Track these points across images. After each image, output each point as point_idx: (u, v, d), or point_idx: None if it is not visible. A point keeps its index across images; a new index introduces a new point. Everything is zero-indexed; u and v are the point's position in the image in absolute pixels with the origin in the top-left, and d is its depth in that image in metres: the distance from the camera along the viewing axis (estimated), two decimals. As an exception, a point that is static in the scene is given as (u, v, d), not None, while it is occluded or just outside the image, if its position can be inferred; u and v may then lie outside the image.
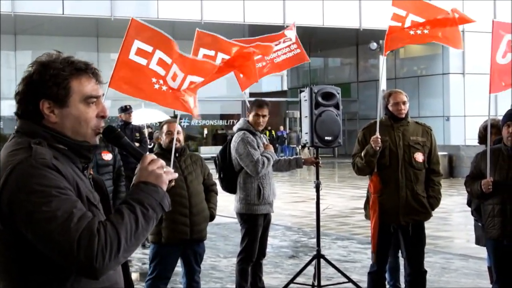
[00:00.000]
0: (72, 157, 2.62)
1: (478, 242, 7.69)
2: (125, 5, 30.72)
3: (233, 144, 7.59)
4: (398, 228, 7.01)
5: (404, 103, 7.07)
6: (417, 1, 7.67)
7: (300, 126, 8.30)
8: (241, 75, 7.99)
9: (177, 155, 6.84)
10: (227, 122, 41.52)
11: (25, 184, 2.40)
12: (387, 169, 6.96)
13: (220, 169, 7.84)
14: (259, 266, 7.85)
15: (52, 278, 2.49)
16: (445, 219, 14.66)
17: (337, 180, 26.88)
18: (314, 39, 37.50)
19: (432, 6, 7.72)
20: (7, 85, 30.74)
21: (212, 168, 7.51)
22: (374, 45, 31.84)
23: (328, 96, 7.98)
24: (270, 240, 7.93)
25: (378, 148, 6.86)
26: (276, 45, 9.09)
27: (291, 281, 8.01)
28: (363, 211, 7.45)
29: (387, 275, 7.42)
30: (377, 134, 6.92)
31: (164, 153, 6.82)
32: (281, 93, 48.40)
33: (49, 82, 2.58)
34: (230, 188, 7.77)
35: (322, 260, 7.99)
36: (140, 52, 6.57)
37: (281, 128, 41.29)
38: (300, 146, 15.58)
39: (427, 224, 7.20)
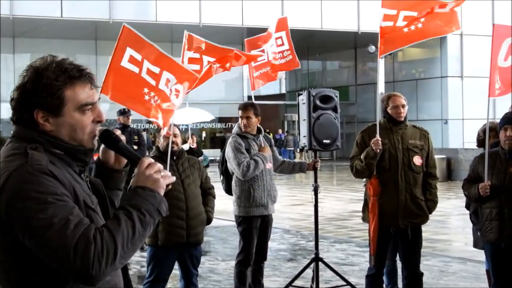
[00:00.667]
0: (69, 161, 2.61)
1: (476, 245, 7.69)
2: (124, 8, 30.72)
3: (225, 149, 7.67)
4: (397, 231, 7.01)
5: (403, 106, 7.08)
6: None
7: (298, 129, 8.31)
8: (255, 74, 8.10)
9: (174, 158, 6.85)
10: (225, 125, 41.50)
11: (21, 191, 2.40)
12: (387, 172, 6.96)
13: (220, 172, 7.91)
14: (260, 270, 7.83)
15: (51, 281, 2.49)
16: (443, 222, 14.66)
17: (335, 183, 26.88)
18: (312, 42, 37.54)
19: (422, 1, 7.66)
20: (5, 88, 30.66)
21: (212, 171, 7.51)
22: (372, 48, 31.80)
23: (326, 99, 7.98)
24: (268, 243, 7.92)
25: (378, 150, 6.86)
26: (271, 45, 9.15)
27: (290, 284, 8.00)
28: (361, 214, 7.45)
29: (384, 278, 7.42)
30: (378, 136, 6.92)
31: (161, 156, 6.82)
32: (280, 96, 48.37)
33: (43, 92, 2.55)
34: (229, 190, 7.82)
35: (320, 263, 7.98)
36: (132, 60, 6.57)
37: (280, 131, 41.29)
38: (298, 149, 15.53)
39: (425, 227, 7.21)
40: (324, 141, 7.92)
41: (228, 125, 40.60)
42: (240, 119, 7.70)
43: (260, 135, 7.81)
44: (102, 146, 2.86)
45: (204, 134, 42.19)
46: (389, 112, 7.10)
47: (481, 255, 7.19)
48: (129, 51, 6.59)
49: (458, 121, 36.84)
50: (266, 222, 7.73)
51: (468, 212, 7.70)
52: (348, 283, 7.95)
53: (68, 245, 2.34)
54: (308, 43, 37.63)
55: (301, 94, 8.17)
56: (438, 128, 35.84)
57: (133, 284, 8.84)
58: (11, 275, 2.50)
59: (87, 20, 30.36)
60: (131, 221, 2.48)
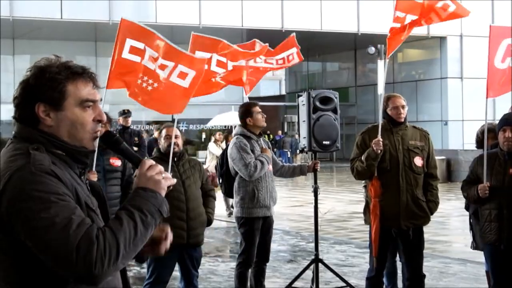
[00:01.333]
0: (69, 163, 2.61)
1: (476, 247, 7.69)
2: (124, 10, 30.69)
3: (229, 150, 7.65)
4: (398, 232, 7.01)
5: (403, 107, 7.08)
6: (417, 3, 7.66)
7: (298, 130, 8.31)
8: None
9: (175, 159, 6.86)
10: (225, 127, 41.52)
11: (23, 190, 2.39)
12: (388, 173, 6.95)
13: (220, 174, 7.89)
14: (262, 271, 7.83)
15: (52, 284, 2.48)
16: (443, 223, 14.66)
17: (335, 184, 26.88)
18: (312, 44, 37.51)
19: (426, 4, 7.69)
20: (5, 89, 30.70)
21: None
22: (372, 50, 31.84)
23: (326, 100, 7.99)
24: (270, 244, 7.92)
25: (380, 151, 6.86)
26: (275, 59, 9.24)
27: (290, 285, 8.00)
28: (361, 215, 7.45)
29: (384, 280, 7.42)
30: (379, 137, 6.91)
31: (162, 157, 6.83)
32: (279, 98, 48.40)
33: (44, 86, 2.58)
34: (229, 192, 7.80)
35: (320, 265, 7.98)
36: (133, 50, 6.67)
37: (280, 132, 41.29)
38: (298, 151, 15.51)
39: (425, 229, 7.21)
40: (324, 142, 7.93)
41: (228, 126, 40.63)
42: (258, 114, 7.66)
43: (261, 137, 7.83)
44: None
45: (204, 136, 42.19)
46: (389, 113, 7.10)
47: (481, 256, 7.19)
48: (130, 42, 6.69)
49: (458, 122, 36.85)
50: (268, 223, 7.73)
51: (467, 213, 7.70)
52: (348, 284, 7.95)
53: (71, 244, 2.34)
54: (308, 44, 37.60)
55: (301, 96, 8.17)
56: (438, 129, 35.84)
57: (133, 286, 8.80)
58: (10, 276, 2.50)
59: (86, 21, 30.37)
60: (133, 221, 2.48)
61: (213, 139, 17.35)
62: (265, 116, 7.78)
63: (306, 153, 8.29)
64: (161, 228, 2.89)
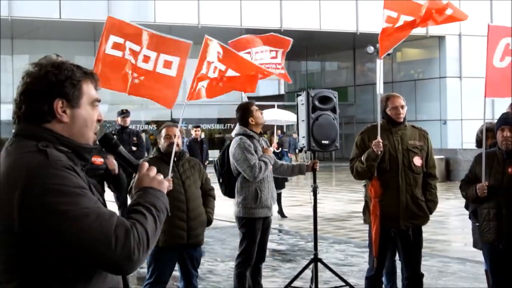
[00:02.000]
0: (75, 160, 2.64)
1: (475, 245, 7.70)
2: (122, 10, 30.69)
3: (231, 150, 7.62)
4: (397, 232, 7.01)
5: (402, 107, 7.07)
6: (408, 2, 7.67)
7: (297, 130, 8.31)
8: None
9: (175, 159, 6.85)
10: (224, 126, 41.50)
11: (53, 187, 2.41)
12: (387, 173, 6.95)
13: (220, 174, 7.86)
14: (258, 271, 7.84)
15: (65, 280, 2.50)
16: (442, 222, 14.67)
17: (334, 184, 26.88)
18: (311, 43, 37.55)
19: (422, 5, 7.70)
20: (4, 89, 30.69)
21: (210, 172, 7.52)
22: (371, 49, 31.81)
23: (325, 100, 7.99)
24: (267, 244, 7.93)
25: (380, 152, 6.86)
26: (261, 52, 9.27)
27: (289, 284, 8.01)
28: (360, 214, 7.45)
29: (384, 279, 7.43)
30: (379, 138, 6.91)
31: (162, 157, 6.83)
32: (278, 97, 48.36)
33: (65, 82, 2.62)
34: (230, 192, 7.78)
35: (319, 264, 7.99)
36: (115, 46, 6.77)
37: (279, 132, 41.27)
38: (297, 150, 15.52)
39: (424, 228, 7.21)
40: (323, 141, 7.93)
41: (227, 126, 40.60)
42: (257, 112, 7.67)
43: (262, 137, 7.83)
44: None
45: (202, 135, 42.21)
46: (388, 113, 7.10)
47: (480, 255, 7.20)
48: (113, 38, 6.78)
49: (457, 122, 36.86)
50: (267, 224, 7.73)
51: (467, 212, 7.71)
52: (347, 283, 7.95)
53: (109, 233, 2.39)
54: (307, 44, 37.64)
55: (300, 95, 8.17)
56: (437, 129, 35.86)
57: (132, 285, 8.81)
58: (22, 278, 2.49)
59: (85, 21, 30.34)
60: (152, 216, 2.59)
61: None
62: (263, 112, 7.82)
63: (306, 152, 8.30)
64: None
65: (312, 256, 8.10)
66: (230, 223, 14.09)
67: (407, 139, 7.04)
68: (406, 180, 6.95)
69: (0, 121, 31.15)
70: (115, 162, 6.94)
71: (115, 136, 3.21)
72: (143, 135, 15.66)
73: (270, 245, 11.04)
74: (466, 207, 7.61)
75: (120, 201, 11.85)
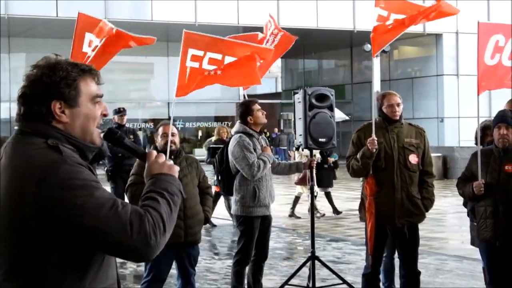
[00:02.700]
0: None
1: (473, 242, 7.71)
2: (119, 8, 30.67)
3: (230, 147, 7.61)
4: (394, 230, 7.03)
5: (398, 105, 7.08)
6: (398, 1, 7.69)
7: (294, 128, 8.31)
8: None
9: (172, 157, 6.85)
10: (221, 124, 41.50)
11: (69, 182, 2.48)
12: (383, 171, 6.97)
13: (218, 172, 7.86)
14: (260, 269, 7.82)
15: (73, 276, 2.54)
16: (439, 220, 14.68)
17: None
18: (308, 41, 37.50)
19: (414, 4, 7.73)
20: (1, 88, 30.69)
21: (208, 170, 7.52)
22: (368, 47, 31.75)
23: (322, 97, 7.99)
24: (269, 243, 7.92)
25: (374, 150, 6.86)
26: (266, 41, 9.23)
27: (286, 282, 8.01)
28: (357, 212, 7.46)
29: (381, 276, 7.44)
30: (373, 136, 6.92)
31: (159, 155, 6.83)
32: (276, 95, 48.38)
33: (60, 84, 2.65)
34: (228, 190, 7.78)
35: (316, 262, 8.00)
36: (90, 43, 6.90)
37: (276, 130, 41.26)
38: (294, 148, 15.50)
39: (421, 226, 7.23)
40: (320, 139, 7.93)
41: (225, 124, 40.59)
42: (258, 112, 7.64)
43: (261, 135, 7.83)
44: None
45: (200, 133, 42.18)
46: (384, 111, 7.11)
47: (477, 253, 7.21)
48: (89, 36, 6.88)
49: (454, 119, 36.86)
50: (267, 222, 7.72)
51: (465, 210, 7.72)
52: (344, 281, 7.96)
53: (124, 220, 2.46)
54: (304, 42, 37.54)
55: (297, 93, 8.17)
56: (434, 126, 35.85)
57: (130, 283, 8.84)
58: (28, 273, 2.52)
59: (82, 19, 30.30)
60: (165, 200, 2.63)
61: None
62: (265, 112, 7.78)
63: (303, 150, 8.31)
64: None
65: (309, 254, 8.10)
66: (228, 221, 14.12)
67: (403, 137, 7.06)
68: (402, 178, 6.96)
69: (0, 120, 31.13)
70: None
71: None
72: (140, 133, 15.64)
73: (268, 243, 11.05)
74: (465, 205, 7.62)
75: (117, 194, 11.85)
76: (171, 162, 2.83)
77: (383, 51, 28.70)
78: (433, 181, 7.24)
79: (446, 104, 37.51)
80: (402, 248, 7.10)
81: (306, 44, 38.27)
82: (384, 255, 7.44)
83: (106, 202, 2.48)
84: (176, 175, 2.80)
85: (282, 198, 18.76)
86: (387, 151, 6.98)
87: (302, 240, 12.78)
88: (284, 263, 10.62)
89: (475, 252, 7.93)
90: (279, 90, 50.28)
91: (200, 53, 7.27)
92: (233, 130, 7.84)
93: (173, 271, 7.26)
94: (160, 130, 7.02)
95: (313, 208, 8.34)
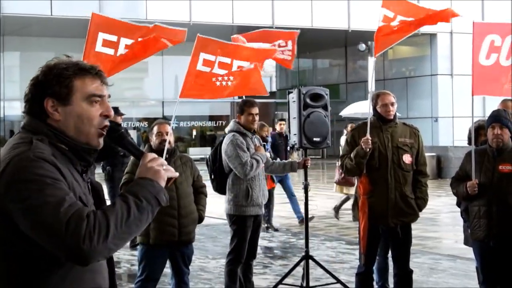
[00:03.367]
0: (72, 158, 2.70)
1: (466, 242, 7.72)
2: (114, 6, 30.63)
3: (223, 146, 7.60)
4: (387, 229, 7.04)
5: (392, 104, 7.09)
6: (405, 2, 7.70)
7: (289, 127, 8.32)
8: None
9: (167, 156, 6.84)
10: (215, 123, 41.46)
11: (21, 174, 2.49)
12: (376, 170, 6.98)
13: (211, 170, 7.85)
14: (249, 268, 7.85)
15: (36, 280, 2.55)
16: (433, 219, 14.70)
17: (325, 181, 26.88)
18: (303, 40, 37.30)
19: (421, 7, 7.75)
20: (-5, 86, 30.61)
21: (202, 170, 7.51)
22: (362, 47, 31.85)
23: (316, 97, 7.99)
24: (259, 241, 7.93)
25: (368, 149, 6.87)
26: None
27: (280, 282, 8.02)
28: (351, 212, 7.47)
29: (375, 276, 7.45)
30: (368, 135, 6.93)
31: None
32: (270, 94, 48.35)
33: (52, 81, 2.68)
34: (221, 189, 7.77)
35: (310, 261, 8.00)
36: (106, 43, 6.80)
37: (270, 129, 41.27)
38: (289, 147, 15.48)
39: (415, 225, 7.24)
40: (315, 139, 7.94)
41: (219, 123, 40.57)
42: (247, 116, 7.61)
43: (255, 134, 7.82)
44: None
45: (194, 132, 42.16)
46: (378, 110, 7.12)
47: (470, 252, 7.23)
48: (102, 35, 6.81)
49: (448, 119, 36.91)
50: (258, 221, 7.74)
51: (458, 209, 7.73)
52: (338, 280, 7.97)
53: (61, 220, 2.43)
54: (298, 41, 37.51)
55: (292, 92, 8.18)
56: (428, 126, 35.89)
57: (123, 283, 8.80)
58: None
59: (77, 18, 30.22)
60: (126, 204, 2.56)
61: (345, 132, 17.12)
62: (256, 120, 7.72)
63: (298, 149, 8.31)
64: None
65: (303, 253, 8.11)
66: (222, 221, 14.10)
67: (397, 137, 7.07)
68: (395, 177, 6.97)
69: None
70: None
71: None
72: (134, 132, 15.61)
73: (261, 243, 11.05)
74: (458, 204, 7.63)
75: (112, 195, 11.81)
76: (164, 167, 2.75)
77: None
78: (427, 181, 7.26)
79: (440, 103, 37.56)
80: (395, 248, 7.12)
81: (300, 43, 38.13)
82: (378, 254, 7.45)
83: (53, 200, 2.45)
84: (161, 181, 2.70)
85: (276, 197, 18.75)
86: (381, 150, 6.99)
87: (296, 239, 12.78)
88: (278, 263, 10.62)
89: (469, 252, 7.95)
90: (274, 89, 50.26)
91: (212, 57, 7.30)
92: (226, 129, 7.84)
93: (167, 270, 7.25)
94: (155, 129, 7.01)
95: (307, 207, 8.33)
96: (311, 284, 7.99)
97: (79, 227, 2.42)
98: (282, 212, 16.25)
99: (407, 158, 7.02)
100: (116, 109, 12.57)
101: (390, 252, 7.45)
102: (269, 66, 44.82)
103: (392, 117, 7.10)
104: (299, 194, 15.01)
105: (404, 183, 7.01)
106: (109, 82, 2.85)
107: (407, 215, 7.03)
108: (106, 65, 6.80)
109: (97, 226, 2.45)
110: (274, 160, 8.33)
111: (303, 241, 8.84)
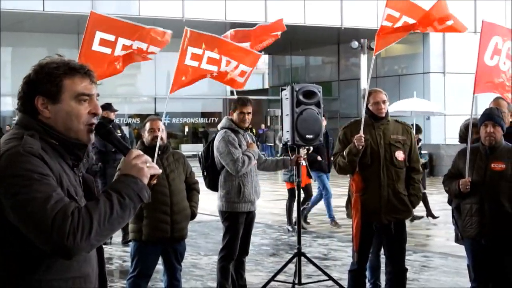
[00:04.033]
0: (62, 153, 2.78)
1: (457, 240, 7.73)
2: (106, 2, 30.55)
3: (215, 143, 7.60)
4: (380, 226, 7.04)
5: (384, 102, 7.11)
6: (411, 3, 7.68)
7: (281, 124, 8.32)
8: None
9: (159, 152, 6.83)
10: (208, 120, 41.47)
11: (10, 168, 2.57)
12: (369, 168, 6.98)
13: (204, 167, 7.85)
14: (241, 264, 7.85)
15: (23, 267, 2.64)
16: (425, 217, 14.71)
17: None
18: (295, 38, 37.50)
19: (428, 12, 7.69)
20: (-12, 81, 30.51)
21: (194, 166, 7.51)
22: (355, 44, 31.83)
23: (309, 94, 7.99)
24: (251, 238, 7.94)
25: (361, 147, 6.88)
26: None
27: (272, 279, 8.02)
28: (344, 209, 7.48)
29: (367, 273, 7.46)
30: (361, 133, 6.94)
31: (146, 150, 6.80)
32: (263, 91, 48.34)
33: (43, 80, 2.77)
34: (213, 186, 7.77)
35: (302, 258, 8.00)
36: (103, 42, 6.80)
37: (263, 126, 41.29)
38: (281, 144, 15.40)
39: (407, 223, 7.24)
40: (307, 136, 7.94)
41: (211, 120, 40.58)
42: (239, 114, 7.59)
43: (247, 131, 7.82)
44: None
45: (186, 129, 42.15)
46: (370, 108, 7.13)
47: (462, 250, 7.24)
48: (99, 35, 6.80)
49: (440, 117, 36.98)
50: (250, 218, 7.74)
51: (450, 207, 7.74)
52: (330, 278, 7.98)
53: (47, 217, 2.51)
54: (291, 38, 37.59)
55: (284, 89, 8.17)
56: (420, 124, 35.89)
57: (115, 279, 8.81)
58: None
59: (69, 14, 30.16)
60: (110, 202, 2.63)
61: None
62: (248, 119, 7.69)
63: (292, 147, 8.30)
64: None
65: (295, 250, 8.12)
66: (214, 217, 14.10)
67: (389, 134, 7.08)
68: (388, 174, 6.98)
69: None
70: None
71: None
72: (126, 128, 15.58)
73: (254, 239, 11.04)
74: (450, 202, 7.65)
75: None
76: (148, 164, 2.80)
77: (370, 48, 28.74)
78: (420, 178, 7.27)
79: (432, 101, 37.63)
80: (389, 245, 7.12)
81: (293, 40, 38.28)
82: (370, 252, 7.45)
83: (40, 196, 2.53)
84: (144, 179, 2.76)
85: (268, 194, 18.79)
86: (374, 147, 7.00)
87: (288, 236, 12.79)
88: (270, 259, 10.63)
89: (460, 250, 7.96)
90: (266, 86, 50.31)
91: (199, 51, 7.29)
92: (219, 126, 7.83)
93: (159, 266, 7.25)
94: (148, 125, 6.99)
95: (299, 205, 8.34)
96: (303, 281, 8.00)
97: (64, 224, 2.51)
98: (274, 209, 16.26)
99: (399, 155, 7.03)
100: (109, 105, 12.57)
101: (382, 250, 7.46)
102: (262, 63, 44.85)
103: (383, 115, 7.11)
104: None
105: (397, 180, 7.02)
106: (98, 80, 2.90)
107: (401, 212, 7.04)
108: (102, 64, 6.78)
109: (81, 224, 2.54)
110: (267, 158, 8.32)
111: (295, 238, 8.84)
